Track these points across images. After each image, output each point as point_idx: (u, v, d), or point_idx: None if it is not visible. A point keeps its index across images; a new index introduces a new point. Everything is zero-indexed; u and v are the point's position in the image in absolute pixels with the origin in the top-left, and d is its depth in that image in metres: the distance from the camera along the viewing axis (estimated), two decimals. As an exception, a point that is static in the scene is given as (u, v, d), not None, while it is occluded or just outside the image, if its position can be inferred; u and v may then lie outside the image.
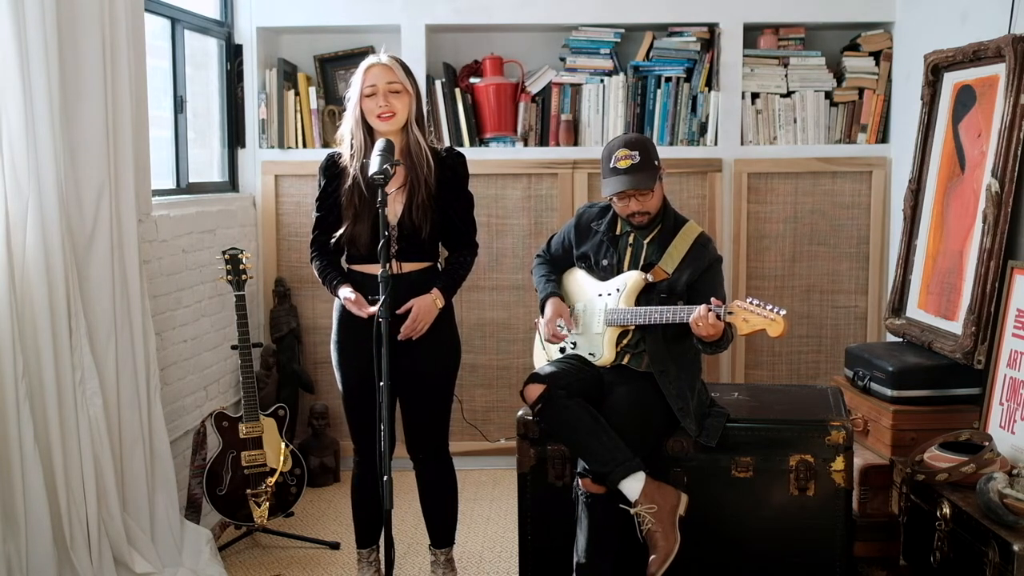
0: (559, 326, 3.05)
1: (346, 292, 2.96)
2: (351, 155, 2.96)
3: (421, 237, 2.93)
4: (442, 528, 3.17)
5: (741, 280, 4.43)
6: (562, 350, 3.12)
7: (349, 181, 2.95)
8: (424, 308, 2.93)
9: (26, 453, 2.70)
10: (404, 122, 2.92)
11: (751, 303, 2.77)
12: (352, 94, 2.95)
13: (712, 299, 2.80)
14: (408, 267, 2.95)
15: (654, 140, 4.38)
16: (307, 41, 4.58)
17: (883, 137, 4.43)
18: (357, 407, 3.05)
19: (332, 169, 3.02)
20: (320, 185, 3.04)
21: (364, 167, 2.89)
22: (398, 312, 2.88)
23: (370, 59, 2.96)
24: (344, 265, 3.07)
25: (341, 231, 2.96)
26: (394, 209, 2.93)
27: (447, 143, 4.41)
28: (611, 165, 2.95)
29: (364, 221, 2.92)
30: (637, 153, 2.92)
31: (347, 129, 2.98)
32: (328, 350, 3.14)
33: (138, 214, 3.15)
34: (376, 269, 2.74)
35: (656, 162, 2.97)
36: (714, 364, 4.44)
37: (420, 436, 3.08)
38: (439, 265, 3.07)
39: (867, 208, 4.44)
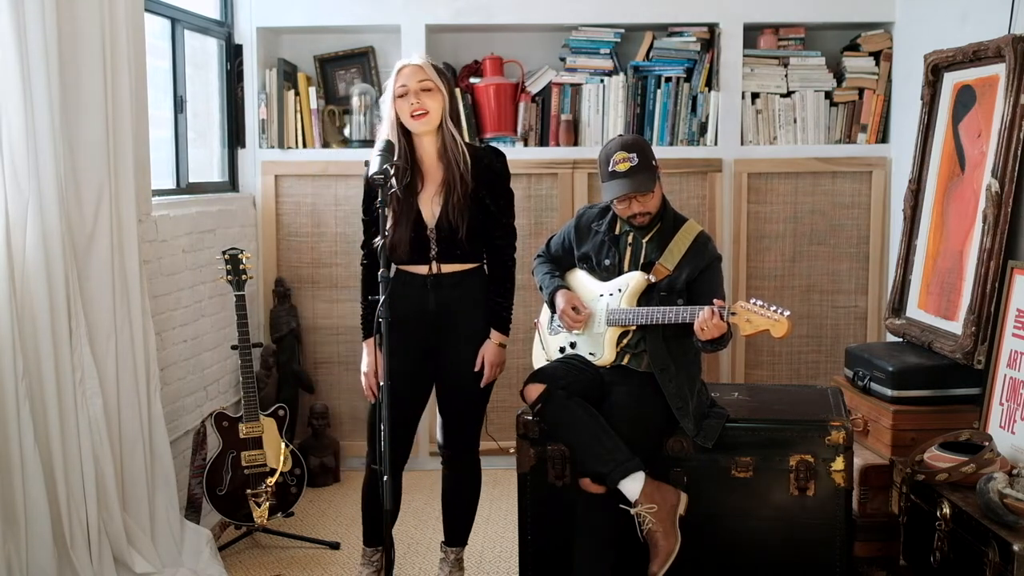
0: (575, 309, 3.02)
1: (365, 360, 3.02)
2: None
3: (458, 236, 2.89)
4: (460, 527, 3.18)
5: (741, 280, 4.43)
6: (562, 350, 3.12)
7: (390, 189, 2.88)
8: (491, 353, 2.99)
9: (26, 453, 2.70)
10: (438, 122, 2.88)
11: (754, 303, 2.77)
12: (386, 98, 2.91)
13: (715, 300, 2.80)
14: (448, 268, 2.93)
15: (654, 140, 4.40)
16: (307, 41, 4.57)
17: (883, 137, 4.43)
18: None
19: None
20: (364, 192, 3.01)
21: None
22: (475, 370, 2.99)
23: (401, 61, 2.93)
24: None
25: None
26: (431, 210, 2.91)
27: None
28: (609, 169, 2.94)
29: (403, 226, 2.89)
30: (635, 155, 2.91)
31: (384, 135, 2.90)
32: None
33: (138, 214, 3.15)
34: (416, 269, 2.90)
35: (654, 162, 2.96)
36: (714, 364, 4.44)
37: (455, 432, 3.07)
38: (484, 267, 3.04)
39: (867, 208, 4.44)
